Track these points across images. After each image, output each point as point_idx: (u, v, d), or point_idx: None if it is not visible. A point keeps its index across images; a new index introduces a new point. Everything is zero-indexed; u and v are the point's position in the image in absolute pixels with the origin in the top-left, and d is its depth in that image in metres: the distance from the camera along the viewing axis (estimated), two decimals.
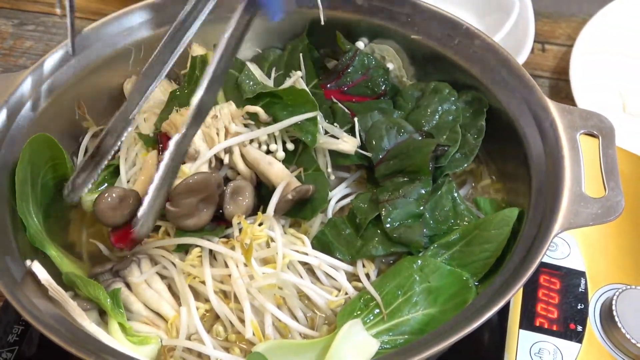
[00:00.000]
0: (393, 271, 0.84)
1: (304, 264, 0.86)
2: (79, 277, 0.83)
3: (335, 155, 0.95)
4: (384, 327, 0.80)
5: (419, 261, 0.83)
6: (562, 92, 1.30)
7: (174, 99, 0.99)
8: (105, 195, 0.88)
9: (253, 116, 0.94)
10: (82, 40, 0.98)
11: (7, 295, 0.75)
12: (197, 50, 1.03)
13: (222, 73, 0.77)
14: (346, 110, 0.99)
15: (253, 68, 1.04)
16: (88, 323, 0.79)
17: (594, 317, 0.88)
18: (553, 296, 0.90)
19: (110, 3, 1.42)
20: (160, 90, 1.00)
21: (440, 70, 1.01)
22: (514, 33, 1.25)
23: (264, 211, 0.88)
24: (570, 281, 0.91)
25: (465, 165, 0.94)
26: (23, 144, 0.88)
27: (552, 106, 0.88)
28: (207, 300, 0.84)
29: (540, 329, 0.87)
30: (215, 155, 0.92)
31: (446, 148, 0.92)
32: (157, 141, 0.96)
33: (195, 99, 0.75)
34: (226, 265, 0.84)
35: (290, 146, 0.94)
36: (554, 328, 0.87)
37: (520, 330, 0.87)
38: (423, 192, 0.89)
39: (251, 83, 0.99)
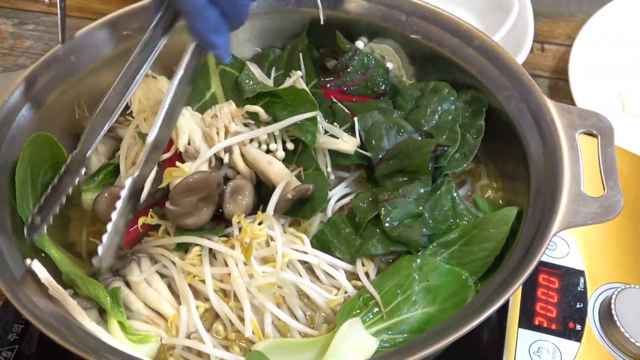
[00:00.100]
0: (392, 270, 0.84)
1: (303, 262, 0.86)
2: (79, 276, 0.83)
3: (335, 154, 0.95)
4: (383, 326, 0.80)
5: (418, 260, 0.83)
6: (561, 91, 1.30)
7: None
8: (105, 194, 0.88)
9: (253, 116, 0.94)
10: (82, 39, 0.98)
11: (7, 294, 0.75)
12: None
13: (175, 111, 0.82)
14: (346, 109, 0.99)
15: (253, 67, 1.04)
16: (88, 322, 0.79)
17: (593, 316, 0.88)
18: (552, 295, 0.90)
19: (110, 3, 1.42)
20: (160, 89, 1.00)
21: (440, 70, 1.01)
22: (513, 33, 1.25)
23: (263, 210, 0.88)
24: (569, 280, 0.91)
25: (465, 165, 0.94)
26: (23, 143, 0.88)
27: (551, 106, 0.88)
28: (206, 299, 0.84)
29: (539, 328, 0.87)
30: (215, 154, 0.92)
31: (446, 148, 0.93)
32: None
33: (150, 139, 0.79)
34: (226, 264, 0.85)
35: (290, 146, 0.94)
36: (553, 327, 0.87)
37: (520, 329, 0.87)
38: (422, 191, 0.90)
39: (251, 82, 0.99)
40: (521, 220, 0.83)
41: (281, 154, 0.93)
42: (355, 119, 0.97)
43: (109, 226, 0.77)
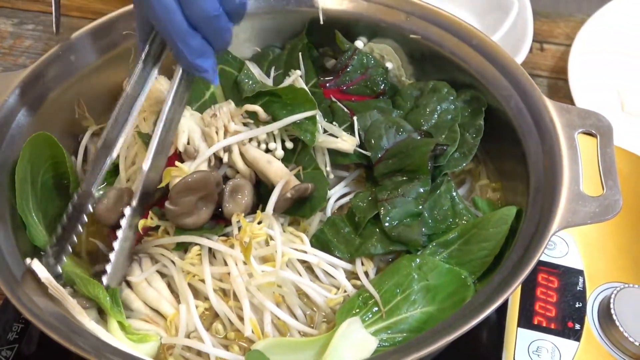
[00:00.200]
0: (392, 269, 0.84)
1: (302, 262, 0.86)
2: (79, 276, 0.83)
3: (334, 154, 0.95)
4: (383, 325, 0.80)
5: (418, 260, 0.83)
6: (560, 91, 1.30)
7: None
8: (104, 199, 0.88)
9: (252, 115, 0.94)
10: (82, 39, 0.98)
11: (6, 293, 0.75)
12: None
13: (167, 141, 0.86)
14: (345, 109, 0.99)
15: (252, 67, 1.04)
16: (88, 321, 0.79)
17: (592, 316, 0.88)
18: (551, 294, 0.90)
19: (110, 3, 1.42)
20: (160, 89, 1.00)
21: (439, 70, 1.01)
22: (512, 32, 1.25)
23: (263, 209, 0.88)
24: (569, 280, 0.92)
25: (464, 164, 0.95)
26: (23, 142, 0.88)
27: (551, 105, 0.88)
28: (206, 299, 0.84)
29: (538, 327, 0.87)
30: (214, 153, 0.92)
31: (445, 147, 0.93)
32: None
33: (144, 169, 0.83)
34: (225, 264, 0.85)
35: (289, 145, 0.94)
36: (552, 326, 0.87)
37: (519, 329, 0.87)
38: (422, 191, 0.90)
39: (250, 82, 0.99)
40: (520, 219, 0.83)
41: (280, 153, 0.93)
42: (355, 118, 0.97)
43: (111, 255, 0.83)
